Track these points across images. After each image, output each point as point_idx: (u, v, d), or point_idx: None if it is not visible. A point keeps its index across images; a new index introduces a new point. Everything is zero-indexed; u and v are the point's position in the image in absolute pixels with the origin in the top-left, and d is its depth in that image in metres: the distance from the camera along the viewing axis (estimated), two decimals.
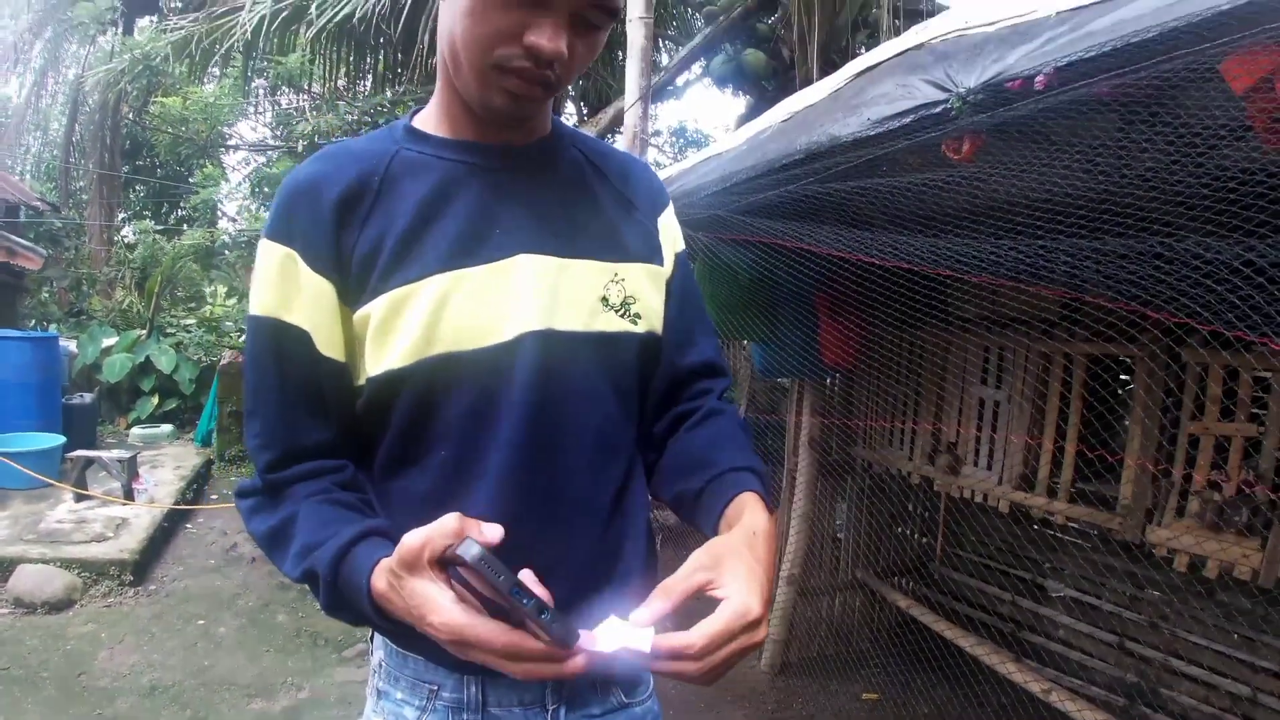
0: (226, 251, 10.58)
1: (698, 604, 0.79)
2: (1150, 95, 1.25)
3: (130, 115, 12.51)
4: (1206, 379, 2.38)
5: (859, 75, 1.91)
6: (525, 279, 0.91)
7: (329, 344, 0.90)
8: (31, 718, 3.25)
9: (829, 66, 4.41)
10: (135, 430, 8.36)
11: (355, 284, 0.89)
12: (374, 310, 0.87)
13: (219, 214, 12.76)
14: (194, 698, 3.48)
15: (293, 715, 3.40)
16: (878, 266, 2.24)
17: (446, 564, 0.73)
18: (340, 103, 7.68)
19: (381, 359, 0.88)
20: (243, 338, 8.86)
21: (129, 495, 5.65)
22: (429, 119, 0.98)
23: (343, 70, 7.22)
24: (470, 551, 0.68)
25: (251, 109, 11.76)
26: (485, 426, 0.89)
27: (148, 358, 8.91)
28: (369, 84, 7.62)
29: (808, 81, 4.23)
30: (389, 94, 7.31)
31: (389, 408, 0.90)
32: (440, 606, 0.71)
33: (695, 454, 1.00)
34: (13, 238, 8.22)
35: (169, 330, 9.82)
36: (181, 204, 13.20)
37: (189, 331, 9.83)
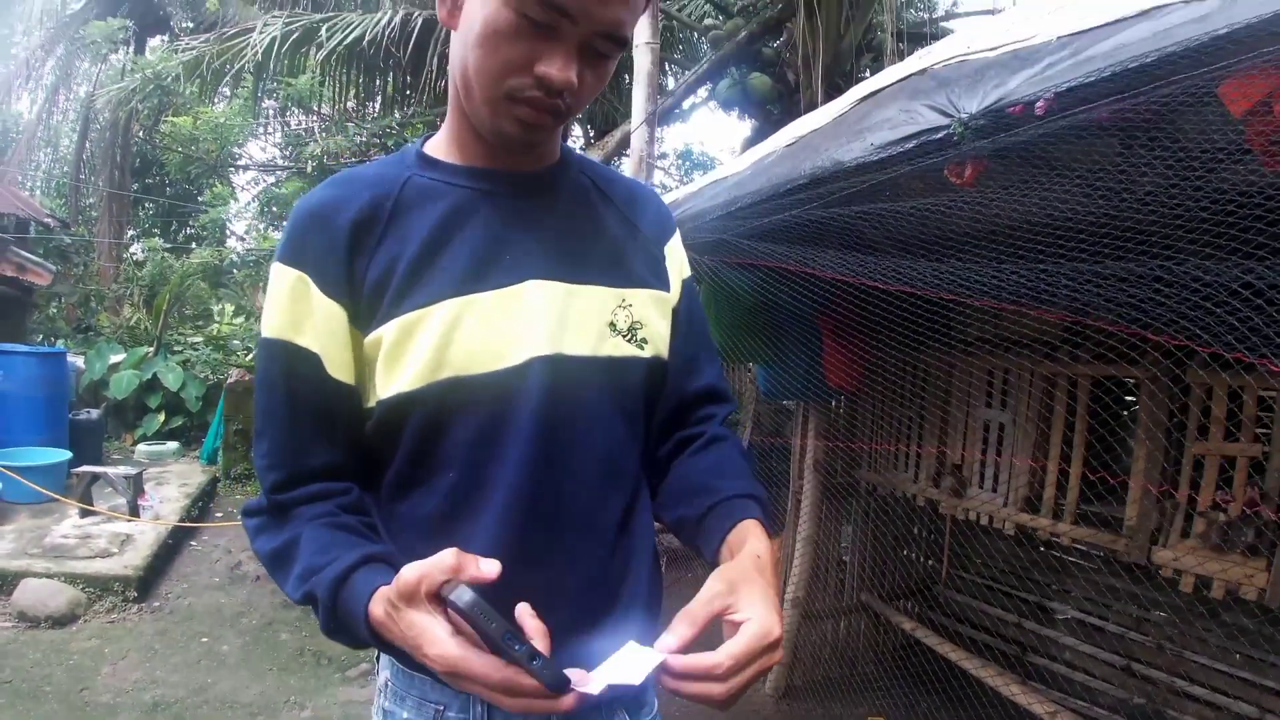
0: (235, 270, 10.64)
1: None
2: (1149, 120, 1.27)
3: (141, 134, 12.64)
4: (1210, 400, 2.38)
5: (863, 100, 1.93)
6: (534, 304, 0.92)
7: (339, 367, 0.91)
8: None
9: (833, 90, 4.45)
10: (141, 447, 8.37)
11: (366, 308, 0.90)
12: (385, 334, 0.89)
13: (228, 233, 12.88)
14: (196, 715, 3.47)
15: None
16: (882, 290, 2.25)
17: (444, 599, 0.73)
18: (349, 124, 7.76)
19: (392, 382, 0.89)
20: (250, 356, 8.92)
21: (134, 511, 5.66)
22: (440, 145, 0.99)
23: (352, 92, 7.31)
24: (463, 599, 0.68)
25: (261, 129, 11.87)
26: (493, 449, 0.90)
27: (155, 375, 8.94)
28: (378, 106, 7.70)
29: (812, 105, 4.27)
30: (398, 116, 7.39)
31: (399, 430, 0.91)
32: (436, 639, 0.71)
33: (698, 479, 1.02)
34: (22, 253, 8.28)
35: (176, 348, 9.86)
36: (190, 222, 13.32)
37: (196, 349, 9.86)
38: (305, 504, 0.90)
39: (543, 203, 0.98)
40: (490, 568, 0.74)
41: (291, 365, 0.90)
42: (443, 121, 1.01)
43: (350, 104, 7.69)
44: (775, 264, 2.40)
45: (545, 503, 0.91)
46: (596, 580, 0.95)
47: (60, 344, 9.49)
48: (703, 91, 6.94)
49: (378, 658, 1.03)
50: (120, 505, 5.71)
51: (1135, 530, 2.55)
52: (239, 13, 9.24)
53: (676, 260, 1.09)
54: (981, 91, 1.44)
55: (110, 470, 5.90)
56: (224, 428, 7.65)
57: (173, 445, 8.49)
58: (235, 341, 10.31)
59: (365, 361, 0.91)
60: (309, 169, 7.78)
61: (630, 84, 4.18)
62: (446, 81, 0.95)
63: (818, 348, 3.39)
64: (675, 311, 1.06)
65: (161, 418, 8.96)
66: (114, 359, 9.08)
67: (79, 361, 8.84)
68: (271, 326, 0.91)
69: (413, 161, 0.98)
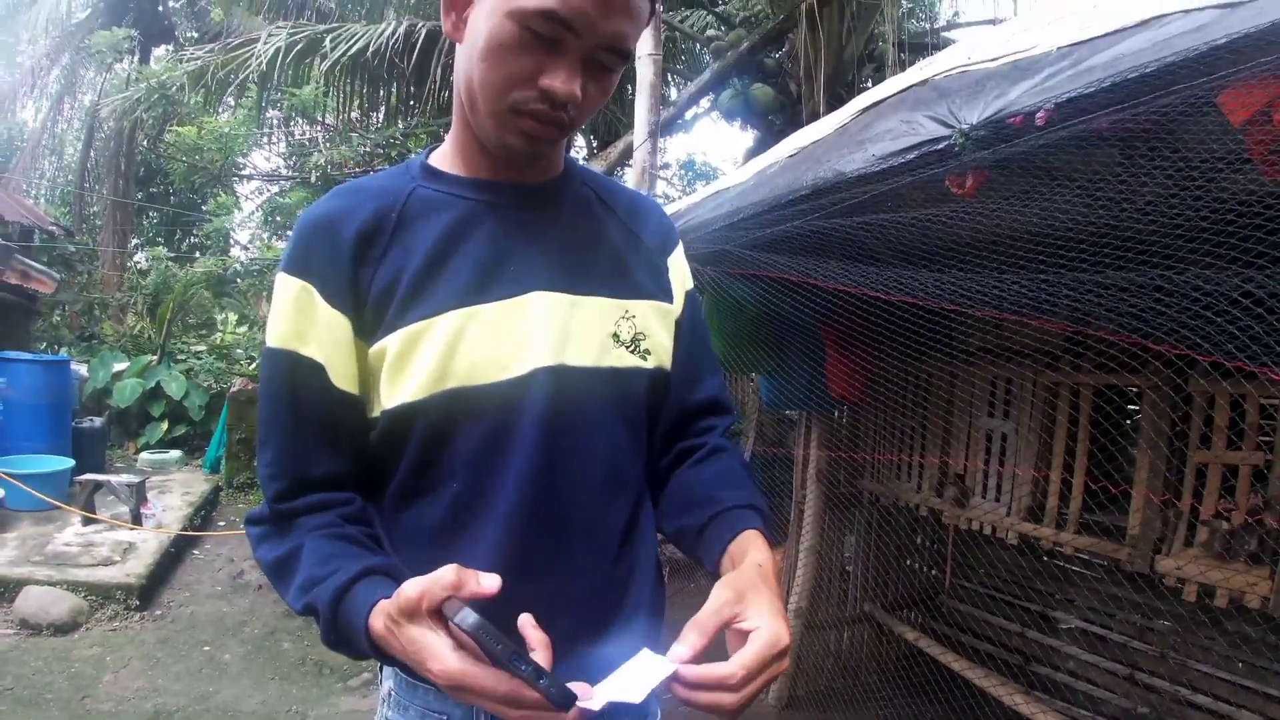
0: (238, 279, 10.66)
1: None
2: (1149, 130, 1.27)
3: (145, 143, 12.70)
4: (1212, 408, 2.38)
5: (864, 111, 1.94)
6: (538, 315, 0.92)
7: (343, 377, 0.91)
8: None
9: (835, 100, 4.47)
10: (144, 455, 8.37)
11: (371, 318, 0.90)
12: (390, 345, 0.89)
13: (231, 242, 12.89)
14: None
15: None
16: (884, 300, 2.25)
17: (444, 613, 0.73)
18: (353, 134, 7.79)
19: (396, 392, 0.89)
20: (253, 366, 8.93)
21: (137, 520, 5.66)
22: (445, 157, 1.00)
23: (356, 102, 7.34)
24: (467, 621, 0.68)
25: (265, 139, 11.92)
26: (497, 459, 0.91)
27: (158, 383, 8.95)
28: (382, 116, 7.73)
29: (814, 115, 4.28)
30: (401, 126, 7.41)
31: (403, 440, 0.91)
32: (439, 654, 0.71)
33: (699, 490, 1.02)
34: (27, 261, 8.29)
35: (180, 356, 9.87)
36: (194, 231, 13.34)
37: (199, 358, 9.88)
38: (308, 514, 0.90)
39: (546, 214, 0.99)
40: (490, 583, 0.73)
41: (296, 375, 0.90)
42: (446, 132, 1.01)
43: (354, 114, 7.72)
44: (778, 274, 2.41)
45: (548, 513, 0.91)
46: (599, 590, 0.95)
47: (64, 352, 9.52)
48: (705, 102, 6.97)
49: (380, 667, 1.03)
50: (123, 513, 5.71)
51: (1138, 539, 2.55)
52: (244, 23, 9.29)
53: (679, 272, 1.10)
54: (982, 102, 1.45)
55: (113, 478, 5.91)
56: (227, 436, 7.66)
57: (175, 454, 8.50)
58: (238, 350, 10.33)
59: (369, 372, 0.92)
60: (313, 179, 7.80)
61: (633, 95, 4.19)
62: (449, 92, 0.96)
63: (820, 358, 3.39)
64: (678, 323, 1.07)
65: (164, 426, 8.97)
66: (117, 367, 9.09)
67: (82, 369, 8.85)
68: (276, 336, 0.91)
69: (418, 173, 0.99)
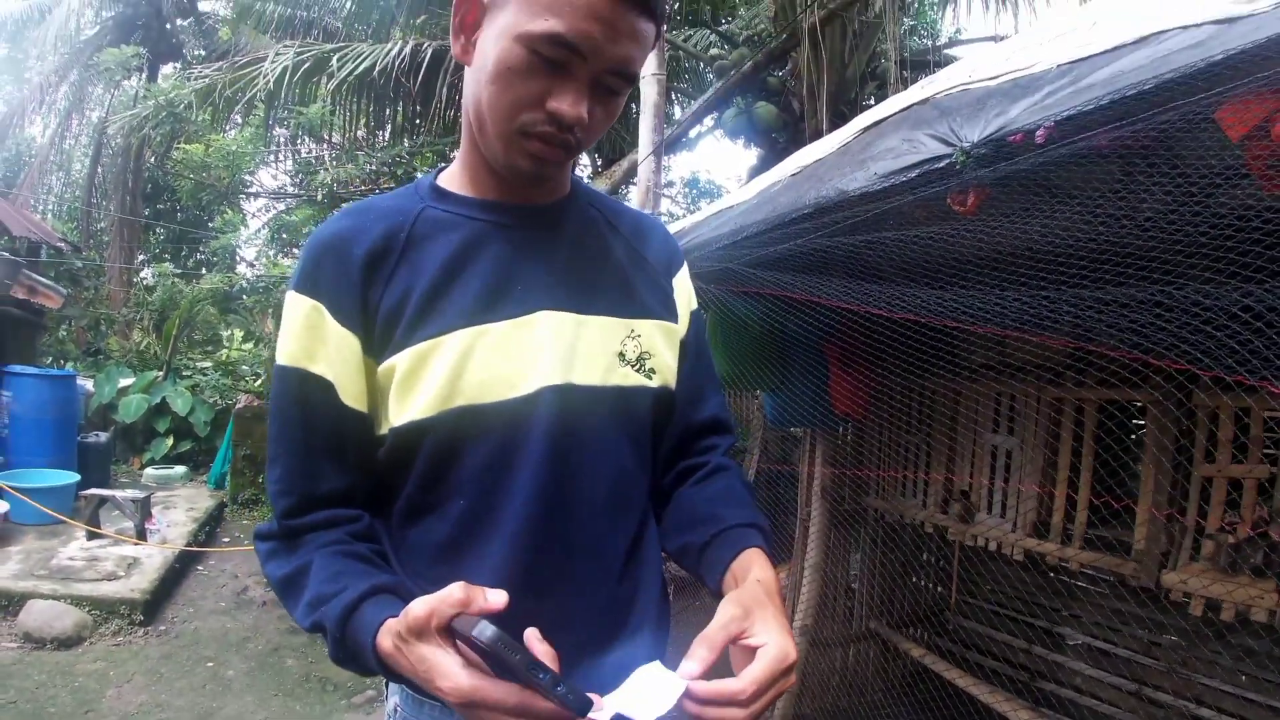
0: (244, 296, 10.69)
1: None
2: (1148, 146, 1.28)
3: (152, 160, 12.79)
4: (1217, 422, 2.38)
5: (866, 129, 1.95)
6: (545, 334, 0.93)
7: (352, 395, 0.92)
8: None
9: (838, 118, 4.50)
10: (149, 471, 8.39)
11: (380, 337, 0.92)
12: (399, 363, 0.90)
13: (238, 259, 12.96)
14: None
15: None
16: (887, 317, 2.26)
17: (453, 631, 0.73)
18: (360, 153, 7.83)
19: (405, 410, 0.90)
20: (259, 382, 8.95)
21: (141, 535, 5.67)
22: (453, 177, 1.01)
23: (362, 121, 7.40)
24: (485, 634, 0.69)
25: (272, 157, 11.98)
26: (504, 477, 0.92)
27: (163, 399, 8.99)
28: (388, 134, 7.78)
29: (817, 133, 4.31)
30: (407, 144, 7.46)
31: (411, 457, 0.92)
32: (449, 671, 0.72)
33: (702, 508, 1.03)
34: (34, 275, 8.33)
35: (185, 373, 9.91)
36: (201, 248, 13.43)
37: (205, 374, 9.91)
38: (316, 530, 0.91)
39: (553, 235, 1.00)
40: (498, 599, 0.74)
41: (305, 393, 0.91)
42: (452, 150, 1.03)
43: (360, 133, 7.77)
44: (781, 292, 2.41)
45: (554, 530, 0.92)
46: (604, 608, 0.96)
47: (70, 367, 9.55)
48: (709, 120, 7.01)
49: (386, 684, 1.03)
50: (127, 528, 5.72)
51: (1144, 554, 2.54)
52: (251, 42, 9.37)
53: (685, 293, 1.11)
54: (983, 120, 1.46)
55: (118, 493, 5.92)
56: (232, 453, 7.67)
57: (180, 469, 8.52)
58: (244, 367, 10.37)
59: (378, 390, 0.93)
60: (319, 197, 7.85)
61: (638, 114, 4.23)
62: (454, 111, 0.98)
63: (824, 375, 3.39)
64: (683, 343, 1.08)
65: (170, 442, 9.00)
66: (123, 383, 9.13)
67: (88, 385, 8.89)
68: (286, 354, 0.92)
69: (426, 193, 1.00)
